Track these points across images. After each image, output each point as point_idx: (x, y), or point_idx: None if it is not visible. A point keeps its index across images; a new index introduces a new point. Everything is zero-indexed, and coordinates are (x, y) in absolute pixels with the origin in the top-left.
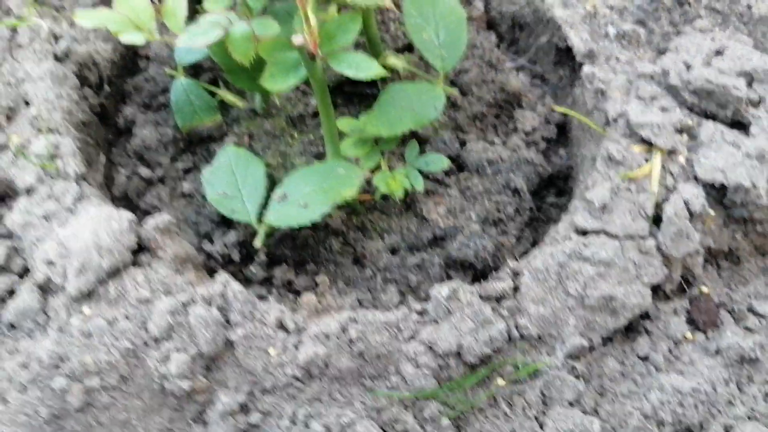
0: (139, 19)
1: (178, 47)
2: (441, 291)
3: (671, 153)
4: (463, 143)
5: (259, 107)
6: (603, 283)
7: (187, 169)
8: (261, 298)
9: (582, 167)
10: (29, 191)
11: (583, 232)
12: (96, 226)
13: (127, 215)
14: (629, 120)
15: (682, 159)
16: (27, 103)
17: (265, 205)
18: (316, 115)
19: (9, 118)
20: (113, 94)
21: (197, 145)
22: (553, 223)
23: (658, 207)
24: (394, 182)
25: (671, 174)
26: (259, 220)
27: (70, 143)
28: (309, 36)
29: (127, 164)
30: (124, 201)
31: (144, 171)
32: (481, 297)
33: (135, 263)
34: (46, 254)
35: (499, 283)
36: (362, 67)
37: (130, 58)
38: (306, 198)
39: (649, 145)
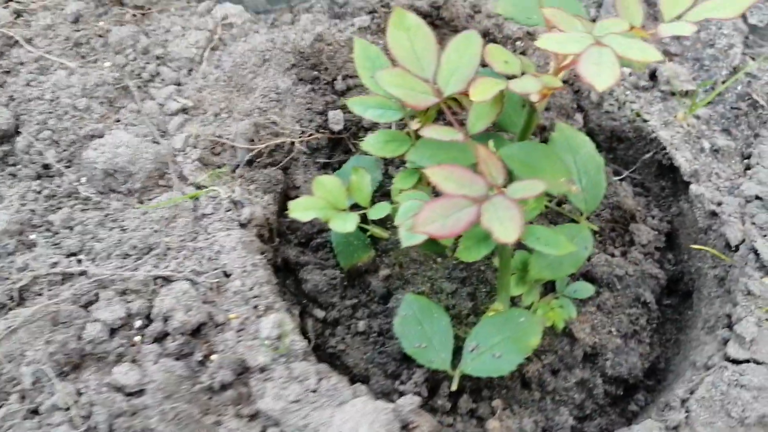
0: (335, 199)
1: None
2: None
3: None
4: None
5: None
6: (758, 405)
7: (354, 306)
8: (450, 426)
9: (703, 284)
10: (263, 370)
11: (735, 361)
12: (362, 419)
13: (384, 406)
14: (759, 255)
15: None
16: (227, 275)
17: (454, 352)
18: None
19: (217, 292)
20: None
21: (356, 279)
22: (669, 323)
23: None
24: (554, 314)
25: None
26: (452, 366)
27: (288, 319)
28: None
29: (297, 303)
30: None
31: (319, 313)
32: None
33: None
34: None
35: (675, 414)
36: (551, 243)
37: (284, 204)
38: (497, 348)
39: None
